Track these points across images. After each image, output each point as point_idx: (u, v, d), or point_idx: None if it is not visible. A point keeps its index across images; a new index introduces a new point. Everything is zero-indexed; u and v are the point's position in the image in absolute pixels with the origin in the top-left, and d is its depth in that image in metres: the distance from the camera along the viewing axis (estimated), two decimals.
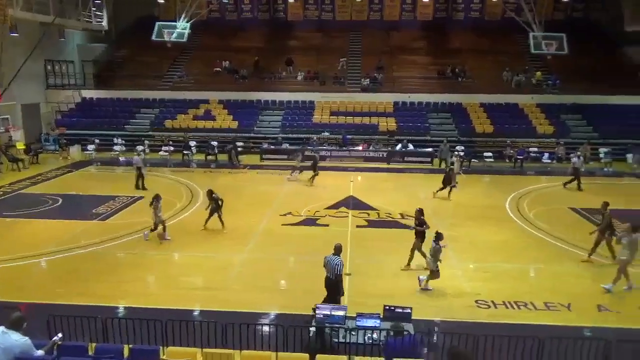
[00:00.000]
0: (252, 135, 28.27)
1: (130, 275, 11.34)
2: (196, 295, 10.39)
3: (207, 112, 29.58)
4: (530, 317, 9.44)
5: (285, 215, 15.96)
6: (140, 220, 14.58)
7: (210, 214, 14.10)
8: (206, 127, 28.27)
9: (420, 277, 10.83)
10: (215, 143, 25.89)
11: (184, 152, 24.95)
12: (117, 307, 9.62)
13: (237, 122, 28.53)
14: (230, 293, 10.45)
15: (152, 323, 7.61)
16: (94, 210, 16.12)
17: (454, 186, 18.25)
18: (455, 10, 35.08)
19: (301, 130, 27.89)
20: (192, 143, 25.84)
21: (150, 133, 28.07)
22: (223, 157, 24.75)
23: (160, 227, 13.42)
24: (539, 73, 30.54)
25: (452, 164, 20.39)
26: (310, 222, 15.42)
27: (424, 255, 11.48)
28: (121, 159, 25.00)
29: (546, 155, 24.63)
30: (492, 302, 10.06)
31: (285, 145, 26.00)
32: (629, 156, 23.76)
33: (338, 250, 9.28)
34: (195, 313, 9.58)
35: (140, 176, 18.79)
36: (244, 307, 9.66)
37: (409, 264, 11.76)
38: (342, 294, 9.22)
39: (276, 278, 11.36)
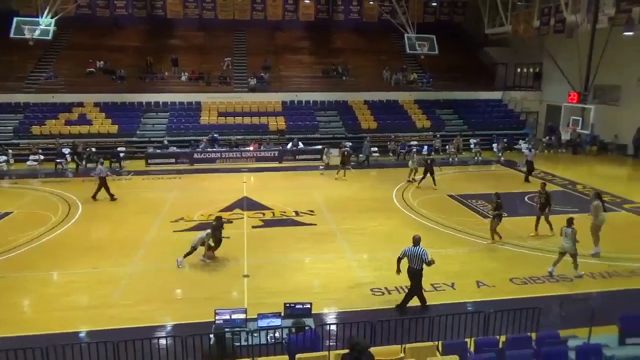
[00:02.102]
0: (135, 139, 26.65)
1: (1, 302, 10.05)
2: (81, 315, 9.53)
3: (82, 116, 27.27)
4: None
5: (176, 221, 15.29)
6: (7, 239, 13.02)
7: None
8: (82, 133, 26.02)
9: (550, 268, 11.22)
10: (93, 149, 24.00)
11: (57, 160, 22.78)
12: None
13: (116, 126, 26.68)
14: (120, 309, 9.75)
15: (29, 352, 6.82)
16: None
17: (413, 179, 20.04)
18: (336, 11, 36.27)
19: (189, 133, 26.93)
20: (66, 150, 23.64)
21: (14, 141, 25.15)
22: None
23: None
24: (415, 74, 32.74)
25: (430, 156, 21.56)
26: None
27: (499, 236, 13.16)
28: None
29: (425, 147, 26.55)
30: (386, 288, 10.59)
31: (173, 149, 24.94)
32: (494, 145, 26.50)
33: (417, 241, 9.60)
34: (82, 334, 8.79)
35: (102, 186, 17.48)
36: (136, 322, 9.07)
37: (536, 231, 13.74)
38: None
39: (171, 288, 10.83)
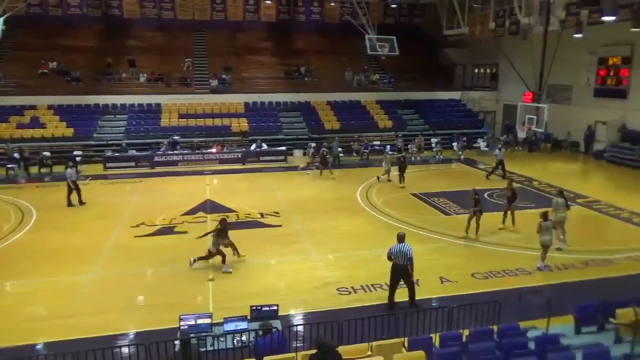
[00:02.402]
0: (92, 142, 25.82)
1: None
2: (39, 327, 9.15)
3: (35, 119, 26.19)
4: (386, 297, 10.19)
5: (137, 226, 14.90)
6: None
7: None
8: (35, 137, 24.99)
9: (539, 264, 11.57)
10: (47, 154, 23.09)
11: (8, 166, 21.82)
12: None
13: (72, 129, 25.75)
14: (80, 318, 9.42)
15: None
16: None
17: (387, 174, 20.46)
18: (297, 12, 36.26)
19: (149, 135, 26.31)
20: (17, 155, 22.61)
21: None
22: (59, 169, 22.22)
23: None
24: (376, 75, 33.13)
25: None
26: (166, 230, 14.64)
27: (466, 231, 13.67)
28: None
29: (388, 147, 26.88)
30: (352, 287, 10.67)
31: (132, 152, 24.31)
32: (454, 144, 27.14)
33: (401, 238, 9.77)
34: (40, 347, 8.45)
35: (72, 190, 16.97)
36: (98, 332, 8.78)
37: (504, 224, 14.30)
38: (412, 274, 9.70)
39: (133, 295, 10.55)
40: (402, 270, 9.62)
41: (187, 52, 32.19)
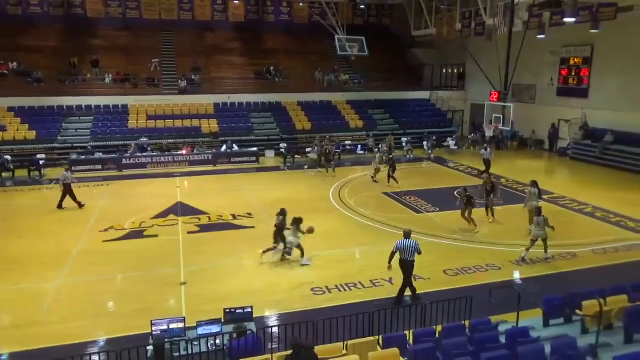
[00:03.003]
0: (56, 145, 25.02)
1: None
2: (4, 336, 8.82)
3: None
4: (359, 295, 10.29)
5: (106, 230, 14.55)
6: None
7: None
8: None
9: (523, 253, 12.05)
10: (8, 157, 22.27)
11: None
12: None
13: (34, 131, 24.91)
14: (48, 326, 9.12)
15: None
16: None
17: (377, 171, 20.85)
18: (266, 12, 36.08)
19: (115, 137, 25.69)
20: None
21: None
22: (21, 173, 21.50)
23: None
24: (346, 75, 33.27)
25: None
26: (136, 234, 14.33)
27: (474, 223, 14.04)
28: None
29: (359, 147, 27.08)
30: (326, 287, 10.69)
31: (98, 155, 23.69)
32: (424, 143, 27.52)
33: (408, 234, 10.12)
34: (4, 357, 8.14)
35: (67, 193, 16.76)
36: (66, 340, 8.53)
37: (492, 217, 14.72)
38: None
39: (102, 301, 10.28)
40: (407, 264, 10.00)
41: (154, 52, 31.60)
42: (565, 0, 19.55)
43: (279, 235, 12.12)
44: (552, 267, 11.82)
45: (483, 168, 21.18)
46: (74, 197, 16.90)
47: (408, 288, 10.09)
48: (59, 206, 16.75)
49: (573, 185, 20.28)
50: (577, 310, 7.77)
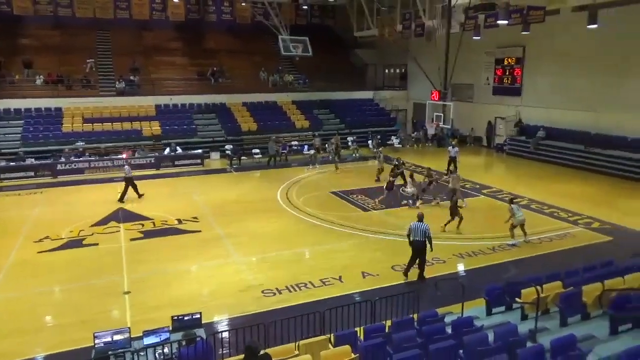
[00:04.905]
0: None
1: None
2: None
3: None
4: (310, 295, 10.30)
5: (41, 240, 13.74)
6: None
7: None
8: None
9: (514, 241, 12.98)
10: None
11: None
12: None
13: None
14: None
15: None
16: None
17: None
18: (207, 12, 35.39)
19: (49, 142, 24.30)
20: None
21: None
22: None
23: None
24: (291, 76, 33.24)
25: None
26: (74, 243, 13.63)
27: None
28: None
29: (306, 147, 27.14)
30: (277, 289, 10.63)
31: (31, 161, 22.34)
32: (370, 142, 27.97)
33: (421, 217, 11.08)
34: None
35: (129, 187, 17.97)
36: (1, 358, 7.98)
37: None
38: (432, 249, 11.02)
39: (40, 315, 9.71)
40: (420, 246, 10.80)
41: (89, 52, 30.19)
42: (498, 3, 20.50)
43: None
44: (493, 258, 12.35)
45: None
46: (135, 189, 18.08)
47: (417, 268, 11.02)
48: (121, 199, 17.63)
49: (510, 180, 21.30)
50: (517, 299, 8.16)
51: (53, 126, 25.49)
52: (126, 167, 18.45)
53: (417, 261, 11.02)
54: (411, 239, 10.94)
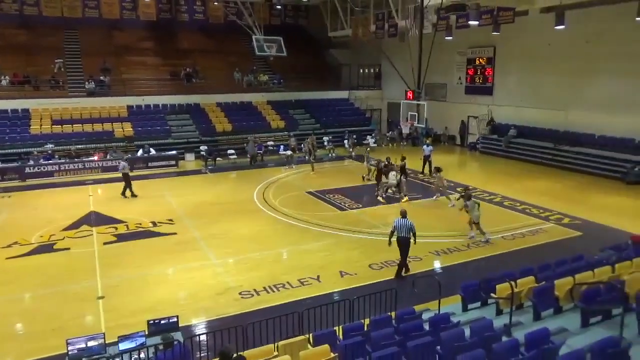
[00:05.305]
0: None
1: None
2: None
3: None
4: (289, 296, 10.27)
5: (9, 246, 13.33)
6: None
7: None
8: None
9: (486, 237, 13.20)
10: None
11: None
12: None
13: None
14: None
15: None
16: None
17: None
18: (179, 11, 34.92)
19: (16, 145, 23.58)
20: None
21: None
22: None
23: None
24: (266, 76, 33.08)
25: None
26: (45, 248, 13.27)
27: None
28: None
29: (282, 147, 27.05)
30: (255, 290, 10.56)
31: None
32: (345, 142, 28.09)
33: (404, 214, 11.21)
34: None
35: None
36: None
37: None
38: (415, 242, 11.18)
39: (10, 323, 9.40)
40: (404, 242, 11.00)
41: (57, 52, 29.42)
42: (469, 4, 20.83)
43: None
44: (468, 255, 12.55)
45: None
46: (130, 186, 18.22)
47: (403, 265, 11.13)
48: (123, 194, 18.07)
49: (483, 177, 21.70)
50: (492, 294, 8.30)
51: (20, 128, 24.78)
52: (122, 163, 18.55)
53: (399, 258, 11.16)
54: (396, 235, 11.09)
